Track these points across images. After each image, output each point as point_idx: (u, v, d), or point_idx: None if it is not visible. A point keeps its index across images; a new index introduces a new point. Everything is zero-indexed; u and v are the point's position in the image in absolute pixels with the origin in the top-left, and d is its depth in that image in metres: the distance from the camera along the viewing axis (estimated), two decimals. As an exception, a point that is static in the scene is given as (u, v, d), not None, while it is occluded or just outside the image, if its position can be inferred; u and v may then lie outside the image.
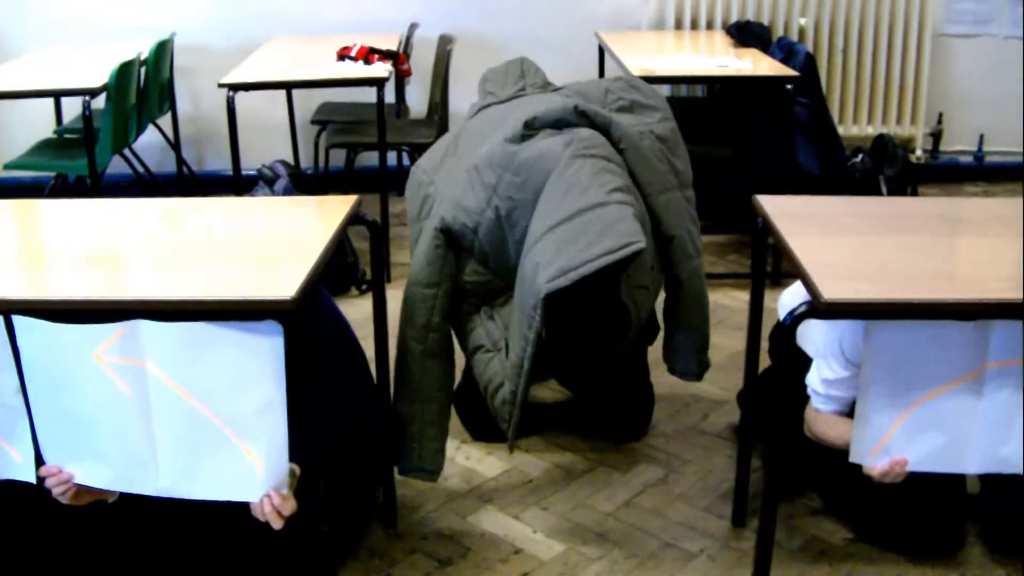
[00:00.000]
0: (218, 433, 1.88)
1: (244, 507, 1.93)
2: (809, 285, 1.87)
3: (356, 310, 3.60)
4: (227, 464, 1.90)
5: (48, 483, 1.97)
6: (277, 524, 1.91)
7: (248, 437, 1.88)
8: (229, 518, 2.00)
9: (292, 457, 1.91)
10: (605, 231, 2.21)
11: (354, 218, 2.26)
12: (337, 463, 2.27)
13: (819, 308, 1.83)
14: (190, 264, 2.00)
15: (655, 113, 2.66)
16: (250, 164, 4.07)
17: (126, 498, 2.02)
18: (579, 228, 2.23)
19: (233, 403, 1.87)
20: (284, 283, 1.83)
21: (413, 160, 3.83)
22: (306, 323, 2.13)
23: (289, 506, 1.91)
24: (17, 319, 1.86)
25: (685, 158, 2.67)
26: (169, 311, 1.82)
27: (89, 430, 1.93)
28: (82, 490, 1.99)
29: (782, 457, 2.08)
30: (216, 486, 1.93)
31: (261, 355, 1.82)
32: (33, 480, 1.98)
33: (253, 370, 1.84)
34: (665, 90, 4.42)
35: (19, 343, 1.88)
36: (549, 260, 2.21)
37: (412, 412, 2.53)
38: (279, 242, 2.13)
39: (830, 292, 1.81)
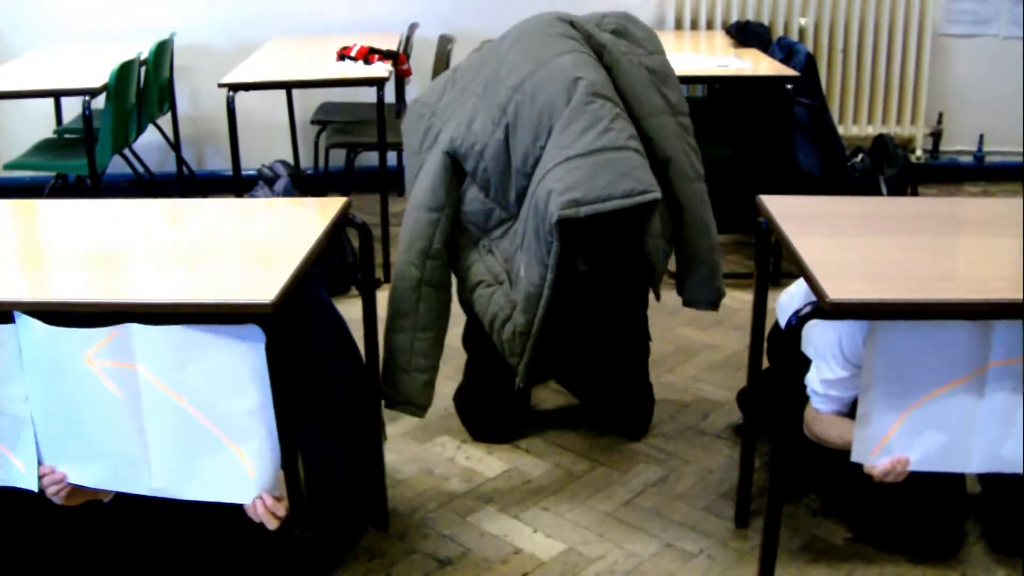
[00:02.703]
0: (210, 435, 1.88)
1: (234, 508, 1.94)
2: (814, 286, 1.87)
3: (356, 310, 3.59)
4: (219, 465, 1.90)
5: (42, 483, 1.97)
6: (272, 525, 1.91)
7: (239, 439, 1.88)
8: (218, 519, 1.99)
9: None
10: (624, 175, 2.24)
11: (345, 220, 2.25)
12: (333, 467, 2.26)
13: (824, 308, 1.83)
14: (182, 266, 2.00)
15: (648, 43, 2.67)
16: (250, 164, 4.07)
17: (118, 498, 2.02)
18: (598, 165, 2.25)
19: (223, 406, 1.86)
20: (266, 286, 1.81)
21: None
22: (301, 326, 2.12)
23: (283, 507, 1.91)
24: (19, 317, 1.86)
25: (678, 90, 2.67)
26: (154, 314, 1.81)
27: (83, 430, 1.93)
28: (76, 490, 1.99)
29: (786, 457, 2.08)
30: (209, 487, 1.93)
31: (244, 359, 1.81)
32: (35, 489, 1.98)
33: (239, 374, 1.83)
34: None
35: (20, 341, 1.89)
36: (563, 190, 2.23)
37: (403, 341, 2.52)
38: (269, 244, 2.12)
39: (835, 292, 1.81)
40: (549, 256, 2.28)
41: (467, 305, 2.69)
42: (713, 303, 2.74)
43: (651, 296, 2.94)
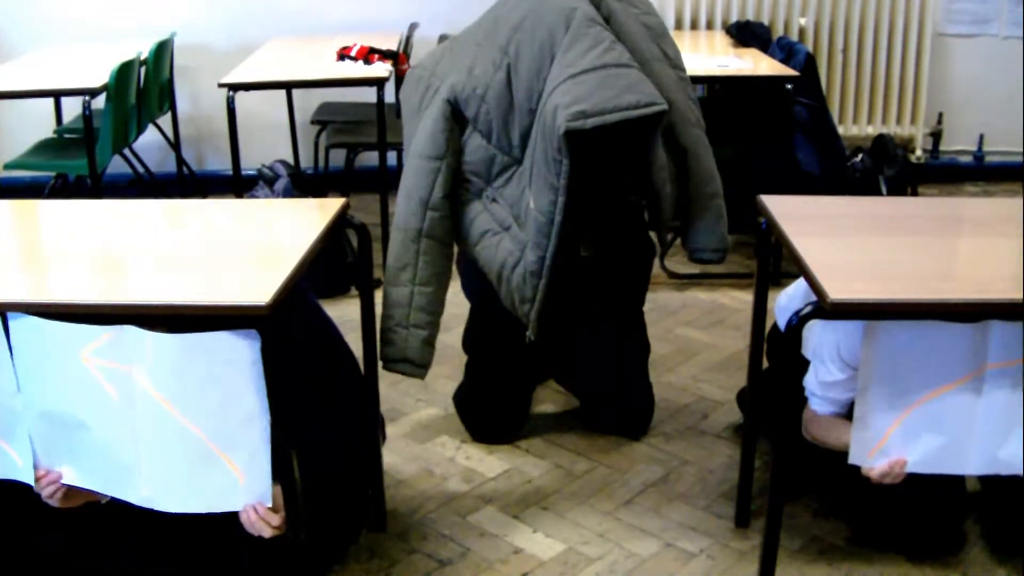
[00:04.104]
0: (200, 445, 1.87)
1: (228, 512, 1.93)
2: (814, 285, 1.87)
3: (355, 310, 3.59)
4: (208, 477, 1.89)
5: (38, 485, 1.97)
6: (267, 533, 1.90)
7: (230, 449, 1.87)
8: (213, 520, 1.98)
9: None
10: (629, 88, 2.26)
11: (343, 220, 2.24)
12: (331, 468, 2.25)
13: (825, 308, 1.82)
14: (180, 267, 1.99)
15: (643, 5, 2.69)
16: (250, 164, 4.07)
17: (114, 498, 2.02)
18: (603, 79, 2.27)
19: (216, 414, 1.85)
20: (261, 288, 1.80)
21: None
22: (297, 327, 2.11)
23: (279, 517, 1.91)
24: (13, 316, 1.85)
25: (675, 48, 2.70)
26: (148, 316, 1.81)
27: (77, 431, 1.92)
28: (71, 492, 1.99)
29: (786, 457, 2.08)
30: (196, 499, 1.92)
31: (239, 363, 1.80)
32: (32, 482, 1.97)
33: (233, 379, 1.81)
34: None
35: (11, 339, 1.88)
36: (569, 103, 2.24)
37: (402, 294, 2.49)
38: (267, 245, 2.11)
39: (836, 292, 1.81)
40: (559, 179, 2.27)
41: (470, 269, 2.64)
42: (719, 251, 2.71)
43: (650, 296, 2.95)
